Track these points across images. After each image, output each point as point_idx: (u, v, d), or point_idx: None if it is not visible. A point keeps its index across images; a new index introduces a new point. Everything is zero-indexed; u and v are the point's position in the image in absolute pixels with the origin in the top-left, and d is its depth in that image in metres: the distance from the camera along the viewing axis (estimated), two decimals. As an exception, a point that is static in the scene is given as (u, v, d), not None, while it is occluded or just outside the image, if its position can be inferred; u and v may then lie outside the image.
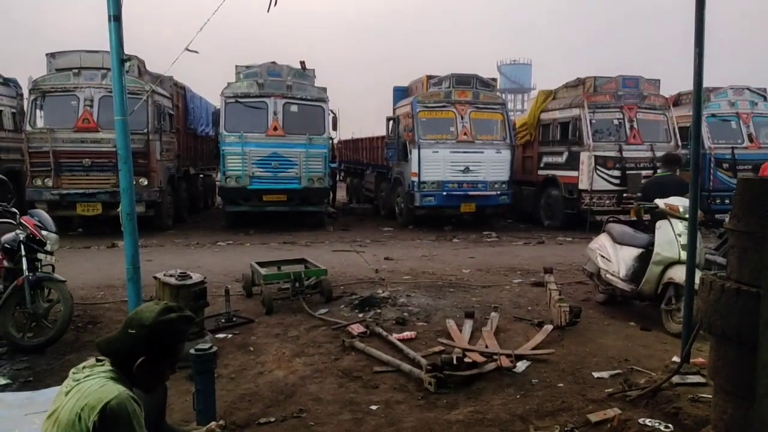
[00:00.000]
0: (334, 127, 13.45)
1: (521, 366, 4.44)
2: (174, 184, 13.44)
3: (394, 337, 5.07)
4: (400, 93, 15.60)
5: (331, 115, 13.12)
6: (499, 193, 13.26)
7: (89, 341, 5.17)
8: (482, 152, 13.17)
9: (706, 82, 13.31)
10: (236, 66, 13.22)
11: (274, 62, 13.12)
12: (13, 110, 13.55)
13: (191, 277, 5.04)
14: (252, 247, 10.85)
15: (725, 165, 13.19)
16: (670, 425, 3.17)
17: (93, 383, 1.79)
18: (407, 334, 5.27)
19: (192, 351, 3.41)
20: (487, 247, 11.17)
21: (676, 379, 3.58)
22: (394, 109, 15.28)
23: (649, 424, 3.20)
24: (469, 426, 3.49)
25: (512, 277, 8.01)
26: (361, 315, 5.95)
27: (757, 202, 2.51)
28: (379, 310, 6.09)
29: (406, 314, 5.94)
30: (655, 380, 3.66)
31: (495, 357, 4.49)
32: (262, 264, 6.87)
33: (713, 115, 13.71)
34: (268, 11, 3.79)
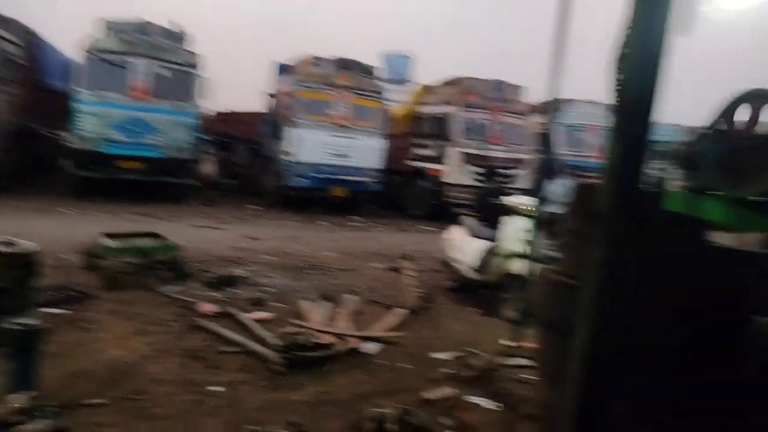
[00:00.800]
0: (205, 96, 12.75)
1: (372, 348, 4.57)
2: (15, 140, 11.90)
3: (248, 318, 4.95)
4: (283, 69, 15.21)
5: (203, 82, 12.42)
6: (371, 179, 13.49)
7: None
8: (358, 138, 13.29)
9: (560, 93, 14.35)
10: (105, 21, 11.98)
11: (147, 21, 12.10)
12: None
13: (18, 245, 4.50)
14: (102, 216, 9.97)
15: (570, 170, 14.57)
16: (496, 403, 3.44)
17: None
18: (263, 314, 5.18)
19: (10, 326, 3.06)
20: (351, 232, 11.33)
21: (506, 361, 3.90)
22: (274, 85, 14.87)
23: (478, 402, 3.45)
24: (313, 406, 3.52)
25: (372, 262, 8.20)
26: (215, 294, 5.74)
27: (582, 204, 2.78)
28: (235, 290, 5.92)
29: (263, 294, 5.84)
30: (488, 362, 3.96)
31: (347, 339, 4.57)
32: (111, 236, 6.33)
33: (563, 124, 15.06)
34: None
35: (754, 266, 2.65)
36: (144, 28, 12.02)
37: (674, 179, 2.65)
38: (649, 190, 2.85)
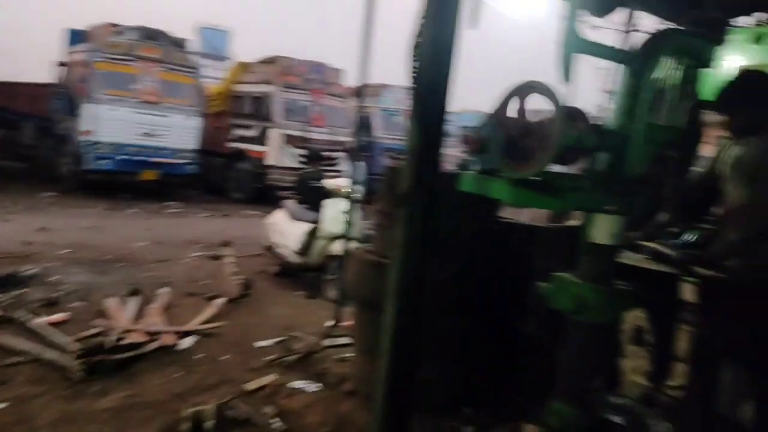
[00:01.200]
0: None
1: (187, 342, 4.31)
2: None
3: (38, 322, 4.34)
4: (77, 36, 13.43)
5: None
6: (185, 161, 12.66)
7: None
8: (169, 116, 12.34)
9: (381, 79, 14.85)
10: None
11: None
12: None
13: None
14: None
15: (390, 153, 15.27)
16: (318, 384, 3.48)
17: None
18: (58, 316, 4.58)
19: None
20: (167, 219, 10.58)
21: (327, 342, 3.97)
22: (66, 54, 13.09)
23: (299, 385, 3.46)
24: (120, 412, 3.22)
25: (191, 251, 7.73)
26: (-4, 297, 4.94)
27: (394, 186, 2.90)
28: (23, 291, 5.15)
29: (60, 293, 5.17)
30: (309, 344, 3.99)
31: (160, 335, 4.25)
32: None
33: (384, 109, 15.71)
34: None
35: (534, 238, 3.02)
36: None
37: (472, 162, 2.90)
38: (446, 172, 3.09)
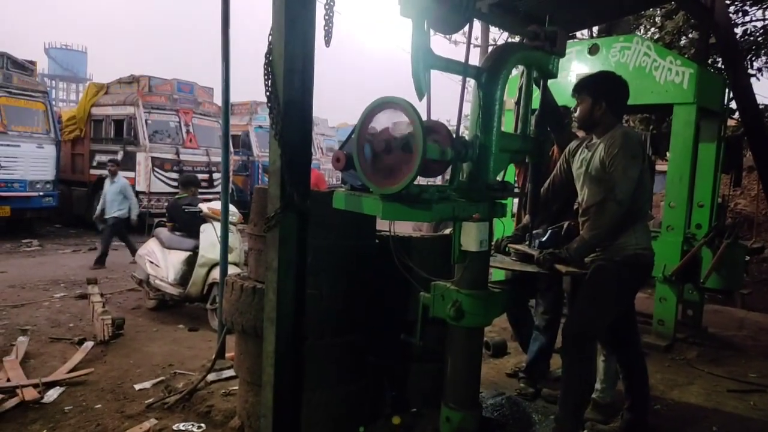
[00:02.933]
0: None
1: (53, 394, 3.88)
2: None
3: None
4: None
5: None
6: (41, 194, 11.50)
7: None
8: (19, 146, 11.17)
9: (253, 96, 14.56)
10: None
11: None
12: None
13: None
14: None
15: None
16: (202, 425, 3.28)
17: None
18: None
19: None
20: (25, 258, 9.53)
21: (211, 376, 3.77)
22: None
23: (183, 428, 3.24)
24: (-29, 487, 2.81)
25: (54, 291, 7.04)
26: None
27: (264, 208, 2.83)
28: None
29: None
30: (192, 381, 3.76)
31: (18, 391, 3.79)
32: None
33: (260, 126, 15.41)
34: None
35: (413, 249, 3.09)
36: None
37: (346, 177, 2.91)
38: (319, 191, 3.07)
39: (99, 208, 9.38)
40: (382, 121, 2.07)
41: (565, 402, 2.93)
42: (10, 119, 11.13)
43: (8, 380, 4.04)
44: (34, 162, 11.40)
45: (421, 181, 2.31)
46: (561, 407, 2.96)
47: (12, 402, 3.67)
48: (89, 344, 4.77)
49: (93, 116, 13.29)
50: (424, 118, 2.04)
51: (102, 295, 5.52)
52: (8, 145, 10.99)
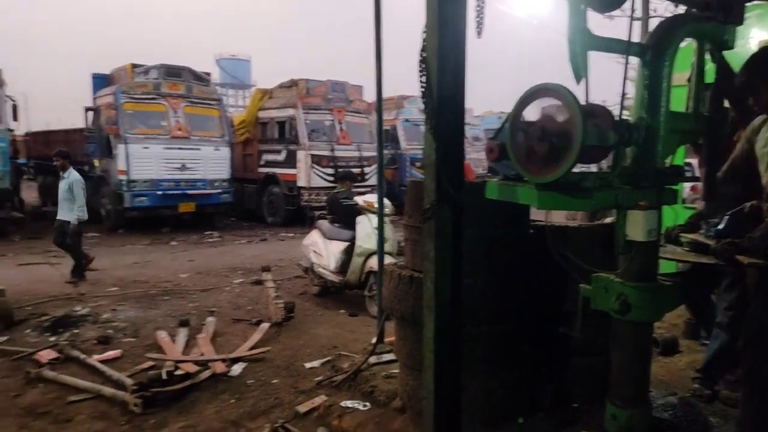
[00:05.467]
0: (15, 117, 11.33)
1: (237, 369, 4.41)
2: None
3: (94, 359, 4.51)
4: (101, 81, 13.99)
5: (10, 102, 11.02)
6: (219, 191, 12.97)
7: None
8: (199, 149, 12.69)
9: (401, 91, 14.88)
10: None
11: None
12: None
13: None
14: None
15: (417, 163, 15.31)
16: (367, 403, 3.50)
17: None
18: (111, 353, 4.75)
19: None
20: (208, 248, 10.83)
21: (373, 359, 3.99)
22: (94, 99, 13.64)
23: (350, 405, 3.49)
24: (179, 442, 3.31)
25: (233, 278, 7.92)
26: (53, 339, 5.14)
27: (419, 200, 2.93)
28: (76, 331, 5.36)
29: (110, 331, 5.36)
30: (356, 363, 4.02)
31: (210, 364, 4.36)
32: None
33: (407, 120, 15.78)
34: None
35: (569, 239, 2.99)
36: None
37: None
38: (473, 181, 3.09)
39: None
40: (537, 109, 2.04)
41: (745, 410, 2.64)
42: (192, 126, 12.68)
43: (202, 355, 4.67)
44: (212, 163, 12.87)
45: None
46: (742, 414, 2.67)
47: (206, 374, 4.23)
48: (265, 325, 5.32)
49: (260, 119, 14.64)
50: (582, 102, 1.97)
51: (274, 281, 6.10)
52: (191, 149, 12.54)
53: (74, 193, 7.53)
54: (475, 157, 15.78)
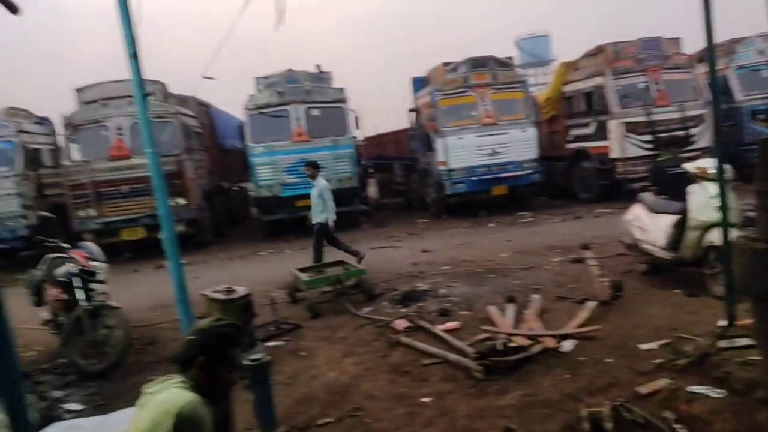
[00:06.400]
0: (357, 126, 13.57)
1: (568, 345, 4.48)
2: (210, 199, 13.76)
3: (438, 329, 5.16)
4: (419, 83, 15.62)
5: (353, 114, 13.24)
6: (529, 171, 13.16)
7: (151, 362, 5.43)
8: (507, 133, 13.08)
9: (731, 33, 12.66)
10: (256, 78, 13.45)
11: (290, 69, 13.31)
12: (51, 147, 14.10)
13: (236, 291, 5.26)
14: (292, 253, 11.08)
15: (761, 116, 12.77)
16: (721, 390, 3.17)
17: (167, 393, 2.02)
18: (451, 324, 5.36)
19: (246, 362, 3.58)
20: (523, 228, 11.14)
21: (723, 343, 3.58)
22: (414, 100, 15.33)
23: (699, 390, 3.21)
24: (521, 409, 3.56)
25: (552, 256, 7.99)
26: (404, 310, 6.07)
27: (768, 161, 2.50)
28: (421, 304, 6.20)
29: (448, 305, 6.03)
30: (702, 346, 3.66)
31: (540, 339, 4.54)
32: (302, 270, 7.05)
33: (742, 66, 13.29)
34: (275, 29, 3.91)
35: None
36: (292, 76, 13.19)
37: None
38: None
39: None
40: None
41: None
42: (499, 111, 13.15)
43: (531, 330, 4.88)
44: (520, 145, 13.12)
45: None
46: None
47: (537, 348, 4.42)
48: (592, 303, 5.24)
49: (565, 93, 14.29)
50: None
51: (596, 259, 5.95)
52: (500, 134, 13.02)
53: (324, 197, 8.29)
54: None
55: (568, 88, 14.19)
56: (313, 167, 8.55)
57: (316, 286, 6.67)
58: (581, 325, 4.82)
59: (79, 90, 12.43)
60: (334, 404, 4.04)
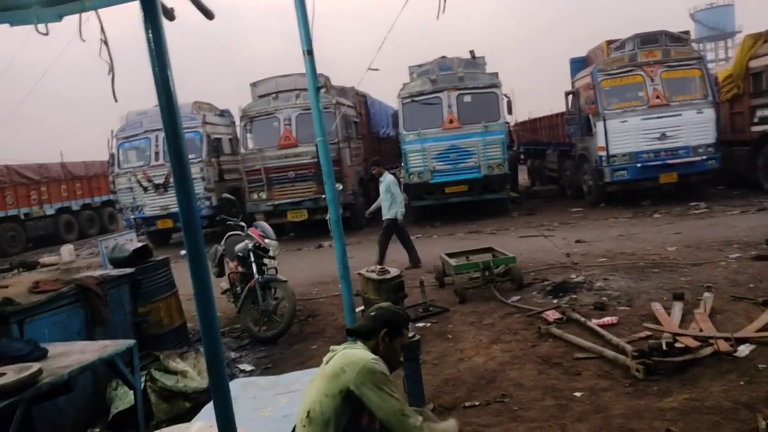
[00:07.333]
0: (509, 111, 13.27)
1: (744, 350, 4.04)
2: (364, 185, 14.44)
3: (593, 323, 4.93)
4: (578, 64, 14.77)
5: (505, 99, 12.95)
6: (704, 157, 11.82)
7: (312, 332, 5.93)
8: (680, 114, 11.86)
9: None
10: (409, 67, 13.78)
11: (444, 56, 13.38)
12: (230, 137, 15.80)
13: (390, 272, 5.52)
14: (439, 239, 11.24)
15: None
16: None
17: (355, 350, 2.36)
18: (608, 319, 5.08)
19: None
20: (695, 220, 10.09)
21: None
22: (572, 83, 14.53)
23: None
24: (685, 414, 3.30)
25: (728, 252, 7.16)
26: (555, 301, 5.89)
27: None
28: (574, 296, 5.96)
29: (604, 299, 5.73)
30: None
31: (711, 341, 4.13)
32: (450, 255, 7.14)
33: None
34: (437, 18, 3.97)
35: None
36: (444, 63, 13.24)
37: None
38: None
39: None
40: None
41: None
42: (671, 91, 11.97)
43: (701, 330, 4.46)
44: (695, 128, 11.82)
45: None
46: None
47: (707, 350, 4.03)
48: (776, 307, 4.64)
49: (751, 70, 12.54)
50: None
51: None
52: (671, 116, 11.84)
53: (392, 192, 8.44)
54: None
55: (755, 63, 12.39)
56: (378, 165, 8.98)
57: (464, 272, 6.73)
58: (762, 329, 4.29)
59: (253, 84, 13.76)
60: (481, 388, 4.08)
